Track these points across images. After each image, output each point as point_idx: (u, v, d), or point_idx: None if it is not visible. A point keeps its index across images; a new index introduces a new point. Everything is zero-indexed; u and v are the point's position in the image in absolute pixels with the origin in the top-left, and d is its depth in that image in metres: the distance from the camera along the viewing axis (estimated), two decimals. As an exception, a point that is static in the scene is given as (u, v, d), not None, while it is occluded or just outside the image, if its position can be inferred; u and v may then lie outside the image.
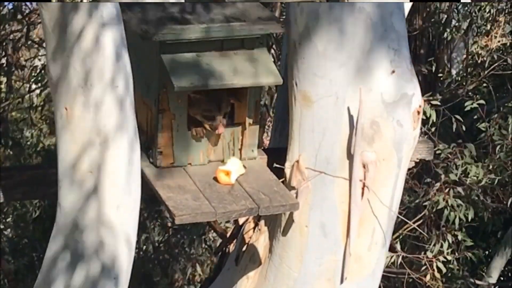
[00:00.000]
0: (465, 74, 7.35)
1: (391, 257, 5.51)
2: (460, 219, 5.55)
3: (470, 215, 5.55)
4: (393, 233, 5.21)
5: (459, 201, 5.53)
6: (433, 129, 5.62)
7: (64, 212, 2.90)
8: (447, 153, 5.60)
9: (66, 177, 2.88)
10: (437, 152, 5.56)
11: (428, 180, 5.94)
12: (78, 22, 2.78)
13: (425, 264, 5.49)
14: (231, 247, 4.22)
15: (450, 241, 5.71)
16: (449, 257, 5.61)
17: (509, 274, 7.41)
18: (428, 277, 5.41)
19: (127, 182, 2.92)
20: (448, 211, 5.51)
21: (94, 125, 2.84)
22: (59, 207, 2.92)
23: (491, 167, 5.87)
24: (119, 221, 2.91)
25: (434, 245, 5.64)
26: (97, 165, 2.85)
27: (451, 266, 5.93)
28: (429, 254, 5.57)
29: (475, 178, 5.65)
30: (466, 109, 5.89)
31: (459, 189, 5.57)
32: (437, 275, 5.39)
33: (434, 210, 5.76)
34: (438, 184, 5.65)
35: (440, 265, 5.44)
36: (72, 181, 2.87)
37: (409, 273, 5.58)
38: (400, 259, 5.49)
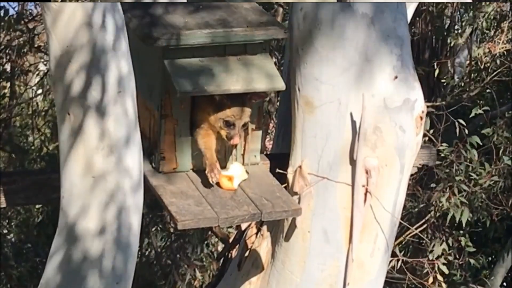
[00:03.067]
0: (468, 80, 7.35)
1: (391, 261, 5.49)
2: (461, 221, 5.54)
3: (466, 216, 5.53)
4: (396, 239, 5.21)
5: (463, 199, 5.52)
6: (431, 132, 5.62)
7: (67, 218, 2.90)
8: (449, 151, 5.60)
9: (69, 182, 2.88)
10: (440, 154, 5.56)
11: (432, 185, 5.94)
12: (81, 28, 2.79)
13: (426, 268, 5.48)
14: (234, 253, 4.22)
15: (451, 244, 5.71)
16: (450, 258, 5.60)
17: (512, 280, 7.40)
18: (430, 279, 5.40)
19: (130, 188, 2.92)
20: (452, 212, 5.50)
21: (97, 131, 2.84)
22: (61, 212, 2.93)
23: (494, 171, 5.86)
24: (122, 226, 2.91)
25: (434, 246, 5.63)
26: (100, 170, 2.86)
27: (453, 271, 5.92)
28: (431, 256, 5.56)
29: (478, 178, 5.65)
30: (470, 116, 5.89)
31: (464, 187, 5.56)
32: (440, 278, 5.38)
33: (437, 214, 5.76)
34: (441, 184, 5.64)
35: (443, 267, 5.43)
36: (74, 187, 2.87)
37: (411, 278, 5.57)
38: (400, 263, 5.48)
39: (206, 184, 3.31)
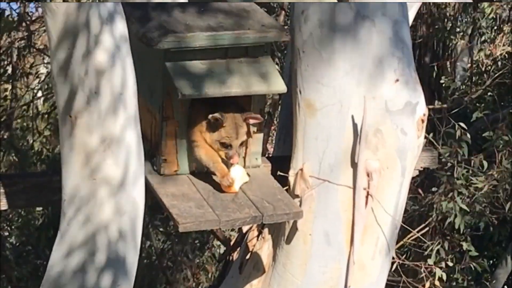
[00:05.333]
0: (469, 82, 7.35)
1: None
2: (465, 223, 5.53)
3: (463, 222, 5.53)
4: (397, 242, 5.19)
5: (462, 206, 5.52)
6: (431, 135, 5.62)
7: (68, 220, 2.90)
8: (448, 153, 5.59)
9: (70, 185, 2.88)
10: (440, 157, 5.55)
11: (434, 189, 5.94)
12: (82, 29, 2.79)
13: (424, 272, 5.48)
14: (235, 255, 4.22)
15: (447, 247, 5.70)
16: (450, 263, 5.60)
17: (514, 284, 7.38)
18: (427, 284, 5.40)
19: (131, 190, 2.92)
20: (453, 215, 5.49)
21: (98, 133, 2.84)
22: (63, 215, 2.92)
23: (496, 175, 5.86)
24: (124, 229, 2.91)
25: (432, 250, 5.62)
26: (101, 173, 2.85)
27: (456, 276, 5.91)
28: (430, 261, 5.56)
29: (478, 184, 5.65)
30: (472, 120, 5.89)
31: (464, 191, 5.56)
32: (437, 283, 5.37)
33: (438, 218, 5.75)
34: (442, 187, 5.64)
35: (440, 272, 5.42)
36: (75, 189, 2.87)
37: (410, 282, 5.56)
38: (396, 265, 5.47)
39: (215, 186, 3.31)
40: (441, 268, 5.47)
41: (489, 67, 7.08)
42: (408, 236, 5.96)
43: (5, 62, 6.70)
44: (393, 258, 5.37)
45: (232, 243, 4.63)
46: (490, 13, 7.11)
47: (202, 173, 3.39)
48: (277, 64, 6.94)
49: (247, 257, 3.81)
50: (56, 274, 2.90)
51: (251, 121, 3.32)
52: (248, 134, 3.34)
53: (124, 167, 2.89)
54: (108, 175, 2.86)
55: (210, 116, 3.25)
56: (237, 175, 3.33)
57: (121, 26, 2.86)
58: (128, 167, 2.90)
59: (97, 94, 2.81)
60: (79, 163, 2.86)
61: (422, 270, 5.51)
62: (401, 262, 5.48)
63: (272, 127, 7.49)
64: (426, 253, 5.72)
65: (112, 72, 2.82)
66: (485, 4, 7.02)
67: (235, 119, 3.28)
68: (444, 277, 5.46)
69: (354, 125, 3.39)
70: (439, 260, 5.59)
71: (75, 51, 2.79)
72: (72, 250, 2.88)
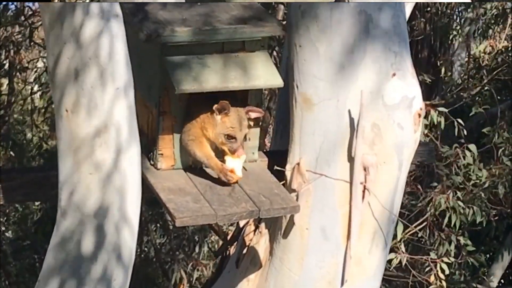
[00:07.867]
0: (467, 78, 7.35)
1: (395, 258, 5.49)
2: (461, 221, 5.55)
3: (470, 216, 5.54)
4: (396, 237, 5.20)
5: (461, 204, 5.53)
6: (431, 128, 5.62)
7: (63, 212, 2.90)
8: (449, 154, 5.60)
9: (67, 180, 2.88)
10: (441, 154, 5.56)
11: (431, 183, 5.94)
12: (80, 26, 2.78)
13: (429, 265, 5.49)
14: (232, 250, 4.22)
15: (455, 242, 5.71)
16: (452, 259, 5.61)
17: (510, 278, 7.40)
18: (432, 277, 5.41)
19: (128, 185, 2.92)
20: (450, 213, 5.50)
21: (95, 128, 2.84)
22: (59, 209, 2.92)
23: (494, 171, 5.87)
24: (120, 223, 2.91)
25: (439, 245, 5.63)
26: (98, 167, 2.86)
27: (452, 270, 5.92)
28: (433, 255, 5.57)
29: (478, 181, 5.65)
30: (470, 114, 5.90)
31: (459, 194, 5.57)
32: (441, 275, 5.38)
33: (436, 212, 5.76)
34: (440, 186, 5.65)
35: (444, 266, 5.43)
36: (72, 184, 2.87)
37: (412, 275, 5.57)
38: (405, 260, 5.48)
39: (212, 180, 3.32)
40: (446, 263, 5.49)
41: (487, 62, 7.08)
42: (407, 231, 5.97)
43: (2, 57, 6.70)
44: (395, 251, 5.39)
45: (229, 237, 4.63)
46: (489, 9, 7.12)
47: (199, 168, 3.39)
48: (274, 58, 6.94)
49: (244, 251, 3.82)
50: (52, 265, 2.90)
51: (253, 115, 3.33)
52: (249, 127, 3.34)
53: (121, 161, 2.89)
54: (104, 169, 2.86)
55: (215, 106, 3.24)
56: (235, 164, 3.32)
57: (118, 22, 2.86)
58: (124, 161, 2.90)
59: (93, 89, 2.81)
60: (75, 158, 2.86)
61: (426, 264, 5.52)
62: (405, 256, 5.49)
63: (270, 122, 7.49)
64: (429, 246, 5.74)
65: (108, 66, 2.82)
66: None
67: (238, 111, 3.29)
68: (447, 270, 5.48)
69: (351, 120, 3.39)
70: (440, 255, 5.60)
71: (71, 46, 2.79)
72: (66, 241, 2.88)
